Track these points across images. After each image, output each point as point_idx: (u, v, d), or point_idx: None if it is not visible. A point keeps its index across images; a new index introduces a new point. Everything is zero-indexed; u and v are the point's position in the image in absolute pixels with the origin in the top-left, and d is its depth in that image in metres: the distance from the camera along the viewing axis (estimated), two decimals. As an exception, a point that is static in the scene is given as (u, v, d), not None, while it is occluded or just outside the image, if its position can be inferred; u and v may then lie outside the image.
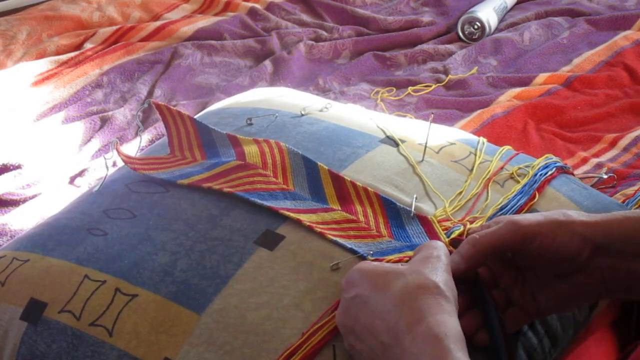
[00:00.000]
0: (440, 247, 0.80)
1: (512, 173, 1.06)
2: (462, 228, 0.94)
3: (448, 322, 0.71)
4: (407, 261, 0.87)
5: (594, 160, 1.56)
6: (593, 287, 0.82)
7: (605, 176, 1.45)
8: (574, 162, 1.55)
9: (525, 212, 1.00)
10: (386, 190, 1.00)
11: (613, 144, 1.61)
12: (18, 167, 1.61)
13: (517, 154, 1.12)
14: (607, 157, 1.57)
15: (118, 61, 2.06)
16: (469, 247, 0.82)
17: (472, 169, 1.07)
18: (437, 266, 0.77)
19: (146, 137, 1.68)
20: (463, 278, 0.81)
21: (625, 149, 1.59)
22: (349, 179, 1.01)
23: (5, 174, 1.59)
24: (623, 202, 1.25)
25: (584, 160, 1.56)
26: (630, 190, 1.37)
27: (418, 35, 2.19)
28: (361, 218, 0.96)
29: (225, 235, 0.94)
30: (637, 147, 1.58)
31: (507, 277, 0.85)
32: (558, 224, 0.81)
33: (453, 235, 0.93)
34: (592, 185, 1.36)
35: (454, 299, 0.75)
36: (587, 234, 0.80)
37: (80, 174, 1.60)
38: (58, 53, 2.10)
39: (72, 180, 1.60)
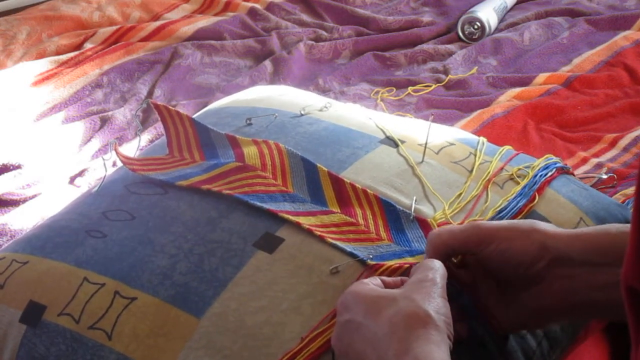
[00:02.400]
0: (436, 269, 0.80)
1: (512, 174, 1.06)
2: None
3: (435, 353, 0.70)
4: (407, 268, 0.88)
5: (594, 160, 1.55)
6: (553, 300, 0.82)
7: (605, 176, 1.45)
8: (574, 162, 1.55)
9: (525, 214, 1.00)
10: (385, 192, 1.00)
11: (613, 144, 1.61)
12: (18, 167, 1.61)
13: (517, 154, 1.12)
14: (607, 157, 1.57)
15: (118, 61, 2.05)
16: (428, 243, 0.83)
17: (471, 170, 1.06)
18: (431, 291, 0.76)
19: (146, 137, 1.68)
20: None
21: (625, 149, 1.59)
22: (348, 181, 1.00)
23: (5, 174, 1.59)
24: (623, 202, 1.25)
25: (584, 160, 1.56)
26: (630, 190, 1.37)
27: (418, 35, 2.19)
28: (361, 221, 0.96)
29: (224, 238, 0.94)
30: (637, 147, 1.58)
31: (486, 285, 0.85)
32: (518, 230, 0.82)
33: None
34: (592, 186, 1.36)
35: (447, 326, 0.74)
36: (548, 243, 0.80)
37: (80, 174, 1.60)
38: (58, 53, 2.10)
39: (72, 180, 1.60)
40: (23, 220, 1.46)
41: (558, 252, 0.80)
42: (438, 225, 0.96)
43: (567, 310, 0.83)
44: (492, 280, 0.85)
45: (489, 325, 0.85)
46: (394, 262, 0.89)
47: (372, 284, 0.80)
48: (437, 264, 0.80)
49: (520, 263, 0.81)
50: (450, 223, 0.96)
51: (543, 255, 0.81)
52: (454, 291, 0.83)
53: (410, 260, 0.90)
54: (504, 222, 0.84)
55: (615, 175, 1.46)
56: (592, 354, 1.03)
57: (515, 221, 0.84)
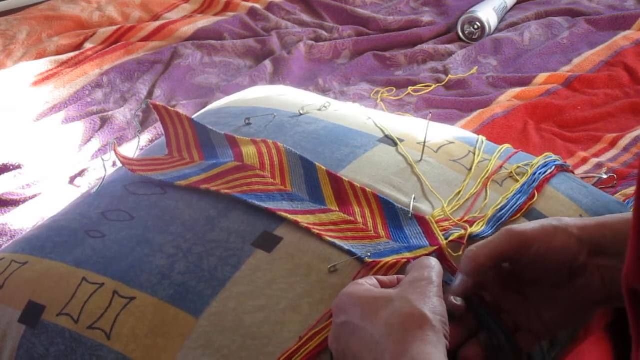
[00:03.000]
0: (432, 267, 0.79)
1: (511, 172, 1.06)
2: (462, 232, 0.94)
3: (433, 354, 0.70)
4: (404, 264, 0.87)
5: (594, 160, 1.55)
6: (595, 291, 0.81)
7: (605, 176, 1.45)
8: (574, 162, 1.55)
9: (525, 212, 1.00)
10: (384, 191, 1.00)
11: (613, 144, 1.61)
12: (18, 167, 1.61)
13: (516, 152, 1.12)
14: (607, 157, 1.57)
15: (118, 61, 2.06)
16: (468, 262, 0.80)
17: (470, 168, 1.06)
18: (427, 291, 0.75)
19: (146, 137, 1.68)
20: (468, 295, 0.80)
21: (625, 149, 1.58)
22: (347, 180, 1.00)
23: (5, 174, 1.59)
24: (623, 202, 1.25)
25: (584, 160, 1.56)
26: (630, 190, 1.37)
27: (418, 35, 2.19)
28: (359, 219, 0.96)
29: (223, 237, 0.94)
30: (637, 147, 1.58)
31: (510, 301, 0.84)
32: (553, 228, 0.80)
33: (452, 238, 0.92)
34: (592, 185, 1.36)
35: (443, 325, 0.74)
36: (583, 236, 0.80)
37: (80, 174, 1.60)
38: (58, 53, 2.10)
39: (72, 180, 1.60)
40: (23, 220, 1.46)
41: (592, 243, 0.80)
42: (437, 222, 0.96)
43: (607, 299, 0.82)
44: (516, 295, 0.83)
45: (519, 342, 0.83)
46: (391, 258, 0.89)
47: (368, 284, 0.79)
48: (433, 262, 0.80)
49: (564, 261, 0.80)
50: (450, 220, 0.96)
51: (581, 248, 0.80)
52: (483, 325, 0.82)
53: (407, 255, 0.89)
54: (534, 223, 0.82)
55: (615, 175, 1.46)
56: (592, 353, 1.03)
57: (543, 220, 0.82)
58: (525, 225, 0.82)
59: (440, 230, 0.95)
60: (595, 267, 0.81)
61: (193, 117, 1.19)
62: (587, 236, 0.80)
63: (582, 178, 1.40)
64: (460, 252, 0.91)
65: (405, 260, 0.88)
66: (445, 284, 0.81)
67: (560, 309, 0.82)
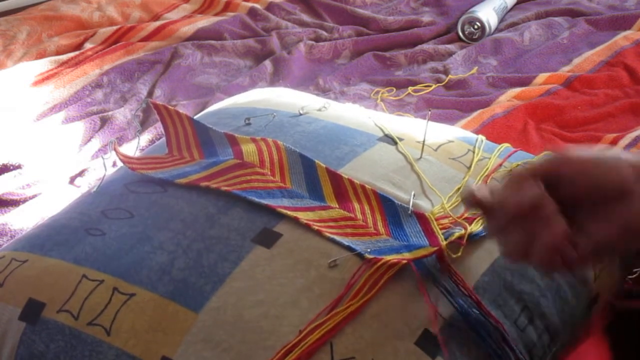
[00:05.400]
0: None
1: (511, 170, 1.06)
2: (462, 231, 0.93)
3: None
4: (404, 264, 0.87)
5: (594, 160, 1.55)
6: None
7: (605, 176, 1.45)
8: (573, 162, 1.55)
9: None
10: (384, 188, 1.00)
11: (613, 144, 1.61)
12: (18, 167, 1.61)
13: (516, 151, 1.12)
14: (607, 156, 1.57)
15: (118, 61, 2.06)
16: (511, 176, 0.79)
17: (470, 166, 1.07)
18: None
19: (146, 137, 1.68)
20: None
21: (625, 149, 1.58)
22: (346, 177, 1.01)
23: (5, 174, 1.59)
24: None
25: (584, 160, 1.56)
26: (630, 190, 1.36)
27: (418, 35, 2.19)
28: (359, 216, 0.96)
29: (223, 234, 0.94)
30: (637, 147, 1.57)
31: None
32: (606, 159, 0.79)
33: (451, 238, 0.92)
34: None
35: None
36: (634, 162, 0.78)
37: (80, 174, 1.60)
38: (58, 53, 2.10)
39: (72, 180, 1.60)
40: (23, 220, 1.46)
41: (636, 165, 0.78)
42: (436, 220, 0.96)
43: None
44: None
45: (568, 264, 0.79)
46: (392, 257, 0.89)
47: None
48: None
49: (607, 186, 0.78)
50: (450, 217, 0.96)
51: (626, 171, 0.77)
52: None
53: (407, 256, 0.89)
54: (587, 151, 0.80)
55: (615, 175, 1.45)
56: (592, 353, 1.03)
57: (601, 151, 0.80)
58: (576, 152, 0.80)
59: (440, 229, 0.95)
60: None
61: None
62: (630, 161, 0.78)
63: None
64: (460, 253, 0.91)
65: (406, 261, 0.88)
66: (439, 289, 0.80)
67: (603, 227, 0.79)
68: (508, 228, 0.77)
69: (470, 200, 0.79)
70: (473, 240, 0.94)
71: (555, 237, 0.75)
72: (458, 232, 0.94)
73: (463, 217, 0.97)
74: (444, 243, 0.91)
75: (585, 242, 0.78)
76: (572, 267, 0.79)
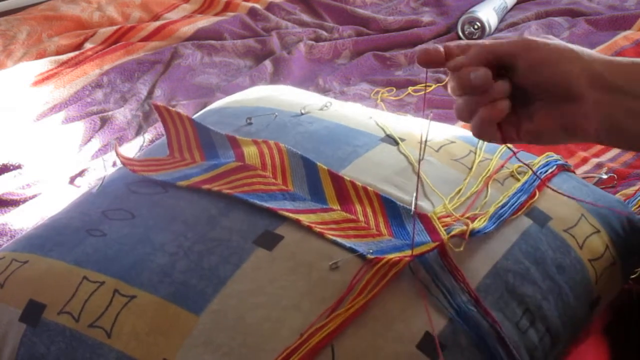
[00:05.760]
0: None
1: (513, 171, 1.06)
2: (463, 227, 0.93)
3: None
4: (407, 262, 0.87)
5: (594, 160, 1.55)
6: (588, 121, 0.80)
7: (605, 176, 1.45)
8: (574, 162, 1.55)
9: (525, 210, 1.00)
10: (386, 190, 1.00)
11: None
12: (18, 167, 1.61)
13: (518, 152, 1.12)
14: (607, 157, 1.57)
15: (118, 61, 2.06)
16: (471, 48, 0.83)
17: (471, 167, 1.07)
18: None
19: (147, 137, 1.68)
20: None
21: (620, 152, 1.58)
22: (348, 179, 1.00)
23: (5, 174, 1.59)
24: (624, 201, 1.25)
25: (584, 160, 1.56)
26: (631, 190, 1.37)
27: (418, 35, 2.19)
28: (361, 218, 0.96)
29: (224, 236, 0.94)
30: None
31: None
32: (564, 46, 0.81)
33: (453, 233, 0.92)
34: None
35: None
36: (594, 67, 0.80)
37: (80, 174, 1.60)
38: (58, 53, 2.10)
39: (72, 180, 1.60)
40: (23, 220, 1.46)
41: (595, 73, 0.79)
42: (438, 219, 0.95)
43: (597, 135, 0.81)
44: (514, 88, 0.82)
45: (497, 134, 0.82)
46: (394, 256, 0.89)
47: None
48: None
49: (562, 84, 0.79)
50: (452, 216, 0.96)
51: (583, 75, 0.79)
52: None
53: (409, 253, 0.89)
54: (551, 43, 0.81)
55: (615, 175, 1.45)
56: (592, 353, 1.03)
57: (561, 44, 0.82)
58: (540, 40, 0.81)
59: (442, 226, 0.95)
60: (594, 99, 0.79)
61: (194, 116, 1.20)
62: (596, 68, 0.80)
63: (583, 178, 1.40)
64: (462, 248, 0.91)
65: (409, 258, 0.88)
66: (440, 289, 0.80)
67: (549, 120, 0.81)
68: (457, 92, 0.82)
69: (430, 54, 0.86)
70: (475, 237, 0.94)
71: (492, 115, 0.80)
72: (459, 227, 0.94)
73: (465, 216, 0.97)
74: (445, 237, 0.91)
75: (526, 127, 0.82)
76: (504, 140, 0.83)
